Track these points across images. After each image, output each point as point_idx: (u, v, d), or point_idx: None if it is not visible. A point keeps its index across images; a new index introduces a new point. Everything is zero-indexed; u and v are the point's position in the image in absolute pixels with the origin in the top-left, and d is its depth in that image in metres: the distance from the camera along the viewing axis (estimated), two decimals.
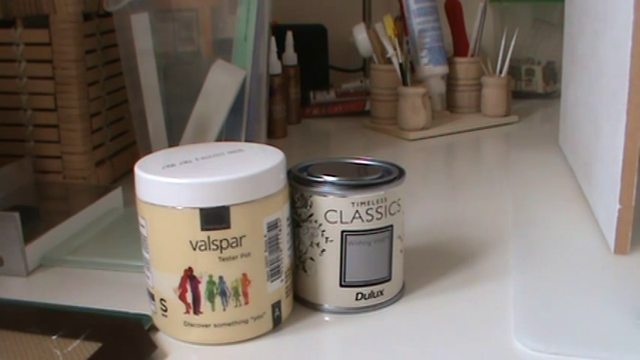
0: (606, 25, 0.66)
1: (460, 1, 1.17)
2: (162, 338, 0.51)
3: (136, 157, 0.87)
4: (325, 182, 0.52)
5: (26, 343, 0.49)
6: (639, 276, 0.59)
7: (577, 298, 0.55)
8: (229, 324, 0.50)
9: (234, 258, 0.49)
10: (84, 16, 0.80)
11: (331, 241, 0.52)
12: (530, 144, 1.00)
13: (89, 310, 0.54)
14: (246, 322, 0.50)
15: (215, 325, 0.50)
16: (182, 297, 0.49)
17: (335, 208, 0.52)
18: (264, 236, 0.49)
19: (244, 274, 0.49)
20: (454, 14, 1.17)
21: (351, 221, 0.52)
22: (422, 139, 1.05)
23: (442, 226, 0.71)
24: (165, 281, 0.49)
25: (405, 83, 1.05)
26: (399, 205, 0.53)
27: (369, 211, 0.52)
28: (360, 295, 0.54)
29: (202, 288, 0.49)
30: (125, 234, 0.69)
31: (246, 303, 0.50)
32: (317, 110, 1.20)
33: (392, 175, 0.54)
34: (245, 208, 0.48)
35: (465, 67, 1.14)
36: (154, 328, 0.52)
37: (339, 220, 0.52)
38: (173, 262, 0.49)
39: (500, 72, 1.12)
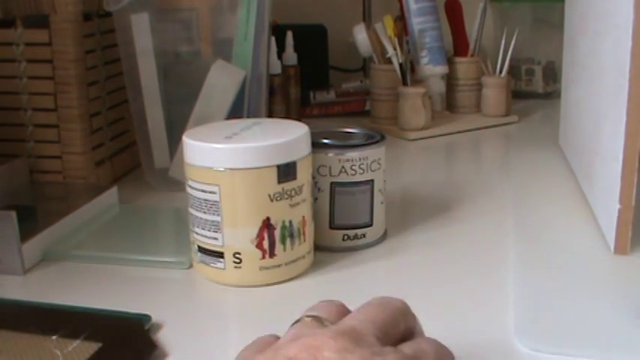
0: (606, 25, 0.66)
1: (460, 1, 1.17)
2: (163, 338, 0.51)
3: (136, 157, 0.88)
4: (318, 143, 0.63)
5: (26, 343, 0.49)
6: (639, 276, 0.59)
7: (577, 298, 0.55)
8: (294, 260, 0.59)
9: (298, 204, 0.59)
10: (84, 16, 0.80)
11: (322, 190, 0.64)
12: (530, 144, 1.00)
13: (89, 310, 0.54)
14: (303, 257, 0.60)
15: (285, 264, 0.59)
16: (259, 245, 0.57)
17: (325, 164, 0.63)
18: (311, 184, 0.61)
19: (303, 217, 0.59)
20: (454, 14, 1.17)
21: (339, 174, 0.63)
22: (422, 139, 1.05)
23: (442, 225, 0.71)
24: (242, 236, 0.57)
25: (405, 83, 1.05)
26: (379, 163, 0.65)
27: (352, 167, 0.63)
28: (346, 237, 0.65)
29: (277, 233, 0.58)
30: (124, 230, 0.70)
31: (304, 240, 0.60)
32: (317, 110, 1.20)
33: (374, 140, 0.65)
34: (304, 162, 0.59)
35: (465, 67, 1.14)
36: (153, 328, 0.52)
37: (328, 173, 0.63)
38: (252, 216, 0.57)
39: (500, 72, 1.12)
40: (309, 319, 0.41)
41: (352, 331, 0.37)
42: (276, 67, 1.08)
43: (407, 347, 0.39)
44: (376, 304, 0.41)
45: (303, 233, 0.60)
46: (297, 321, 0.41)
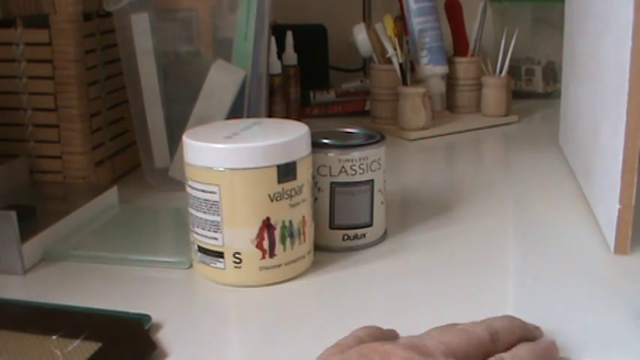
0: (606, 25, 0.66)
1: (460, 1, 1.17)
2: (162, 338, 0.51)
3: (136, 157, 0.88)
4: (318, 143, 0.63)
5: (26, 343, 0.49)
6: (639, 276, 0.59)
7: (577, 298, 0.55)
8: (294, 260, 0.59)
9: (298, 204, 0.59)
10: (84, 16, 0.80)
11: (322, 190, 0.64)
12: (530, 144, 1.00)
13: (89, 310, 0.54)
14: (303, 257, 0.60)
15: (285, 264, 0.59)
16: (259, 245, 0.57)
17: (325, 164, 0.63)
18: (311, 184, 0.61)
19: (303, 217, 0.60)
20: (454, 14, 1.17)
21: (339, 174, 0.63)
22: (422, 139, 1.05)
23: (442, 225, 0.71)
24: (242, 236, 0.57)
25: (405, 83, 1.05)
26: (379, 163, 0.65)
27: (352, 167, 0.63)
28: (346, 237, 0.65)
29: (277, 233, 0.58)
30: (124, 230, 0.70)
31: (304, 240, 0.60)
32: (317, 110, 1.20)
33: (374, 139, 0.65)
34: (304, 162, 0.59)
35: (464, 67, 1.14)
36: (153, 328, 0.52)
37: (328, 173, 0.63)
38: (252, 216, 0.57)
39: (500, 72, 1.12)
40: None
41: (422, 347, 0.41)
42: (276, 67, 1.08)
43: None
44: (459, 328, 0.44)
45: (303, 233, 0.60)
46: None
